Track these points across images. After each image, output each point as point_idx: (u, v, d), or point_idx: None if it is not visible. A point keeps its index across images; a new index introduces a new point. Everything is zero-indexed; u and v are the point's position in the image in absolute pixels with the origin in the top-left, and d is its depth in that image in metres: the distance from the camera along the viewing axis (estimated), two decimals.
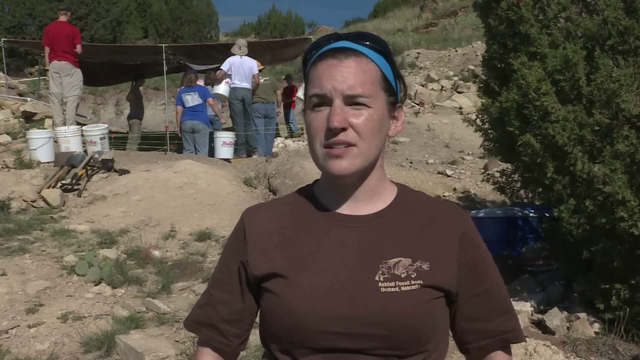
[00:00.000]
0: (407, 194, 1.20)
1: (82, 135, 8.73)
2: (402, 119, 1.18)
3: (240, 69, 9.60)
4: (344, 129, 1.06)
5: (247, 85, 9.65)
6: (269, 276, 1.13)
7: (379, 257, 1.10)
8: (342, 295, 1.07)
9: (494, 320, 1.17)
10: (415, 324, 1.06)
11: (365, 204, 1.15)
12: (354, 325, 1.05)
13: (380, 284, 1.07)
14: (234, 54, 9.75)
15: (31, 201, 6.99)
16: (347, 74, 1.07)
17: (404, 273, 1.08)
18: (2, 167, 7.92)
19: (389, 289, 1.07)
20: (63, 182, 7.43)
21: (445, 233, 1.14)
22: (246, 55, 9.79)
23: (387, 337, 1.06)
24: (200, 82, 11.64)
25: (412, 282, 1.08)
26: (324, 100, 1.08)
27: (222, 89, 9.91)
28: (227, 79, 9.73)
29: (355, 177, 1.11)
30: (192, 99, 9.61)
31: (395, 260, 1.09)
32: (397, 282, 1.07)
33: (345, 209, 1.15)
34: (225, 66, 9.66)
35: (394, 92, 1.14)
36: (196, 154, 9.58)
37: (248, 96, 9.71)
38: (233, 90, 9.66)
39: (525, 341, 3.64)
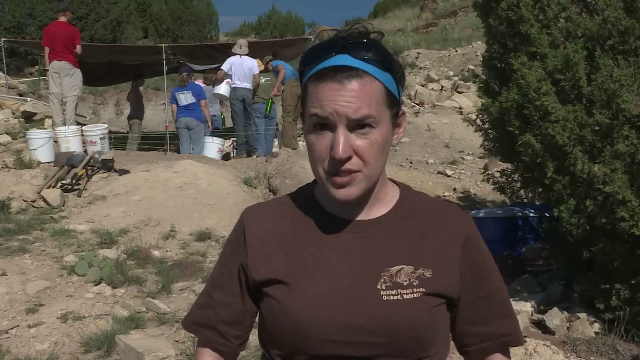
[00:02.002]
0: (410, 197, 1.18)
1: (82, 135, 8.73)
2: (404, 125, 1.15)
3: (241, 69, 9.60)
4: (349, 158, 1.03)
5: (247, 85, 9.65)
6: (269, 281, 1.11)
7: (381, 264, 1.08)
8: (344, 302, 1.06)
9: (494, 324, 1.16)
10: (417, 332, 1.06)
11: (367, 209, 1.13)
12: (356, 333, 1.05)
13: (382, 292, 1.06)
14: (234, 54, 9.76)
15: (31, 201, 6.99)
16: (351, 99, 1.01)
17: (406, 281, 1.07)
18: (2, 167, 7.92)
19: (391, 297, 1.06)
20: (63, 182, 7.43)
21: (448, 238, 1.13)
22: (246, 55, 9.80)
23: (388, 344, 1.05)
24: (200, 82, 11.67)
25: (414, 289, 1.07)
26: (326, 123, 1.04)
27: (222, 89, 9.94)
28: (228, 79, 9.75)
29: (358, 199, 1.09)
30: (185, 98, 9.70)
31: (397, 267, 1.08)
32: (399, 290, 1.06)
33: (348, 214, 1.13)
34: (225, 66, 9.68)
35: (397, 102, 1.10)
36: (192, 150, 9.67)
37: (248, 96, 9.72)
38: (233, 90, 9.67)
39: (525, 343, 3.64)
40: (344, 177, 1.04)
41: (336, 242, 1.11)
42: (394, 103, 1.08)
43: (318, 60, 1.05)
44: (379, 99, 1.04)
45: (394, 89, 1.07)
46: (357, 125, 1.03)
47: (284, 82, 9.86)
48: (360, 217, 1.13)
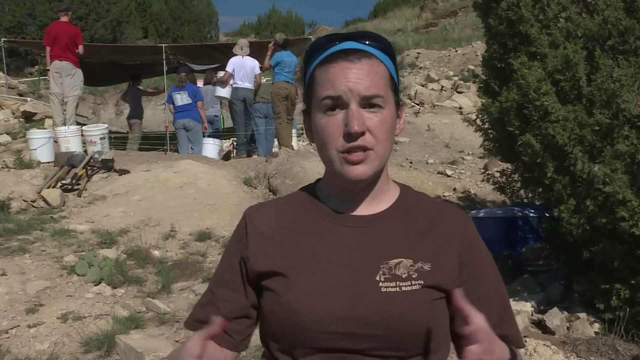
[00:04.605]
0: (410, 196, 1.20)
1: (82, 135, 8.73)
2: (404, 116, 1.19)
3: (242, 69, 9.62)
4: (362, 133, 1.06)
5: (248, 85, 9.67)
6: (269, 274, 1.12)
7: (380, 258, 1.09)
8: (342, 295, 1.07)
9: (491, 325, 1.16)
10: (415, 324, 1.06)
11: (368, 204, 1.15)
12: (354, 325, 1.05)
13: (381, 284, 1.07)
14: (235, 54, 9.77)
15: (31, 201, 6.99)
16: (362, 76, 1.07)
17: (404, 273, 1.08)
18: (2, 167, 7.92)
19: (390, 289, 1.06)
20: (63, 182, 7.44)
21: (447, 236, 1.14)
22: (248, 55, 9.81)
23: (387, 337, 1.05)
24: (200, 83, 11.66)
25: (413, 282, 1.07)
26: (338, 103, 1.07)
27: (224, 89, 9.94)
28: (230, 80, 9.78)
29: (369, 180, 1.12)
30: (181, 99, 9.79)
31: (396, 260, 1.09)
32: (397, 282, 1.07)
33: (348, 209, 1.15)
34: (229, 67, 9.71)
35: (398, 91, 1.15)
36: (192, 150, 9.69)
37: (250, 96, 9.73)
38: (235, 90, 9.69)
39: (525, 343, 3.64)
40: (358, 154, 1.07)
41: (336, 237, 1.12)
42: (396, 90, 1.14)
43: (325, 47, 1.11)
44: (386, 81, 1.10)
45: (395, 76, 1.13)
46: (368, 104, 1.07)
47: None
48: (360, 213, 1.14)
